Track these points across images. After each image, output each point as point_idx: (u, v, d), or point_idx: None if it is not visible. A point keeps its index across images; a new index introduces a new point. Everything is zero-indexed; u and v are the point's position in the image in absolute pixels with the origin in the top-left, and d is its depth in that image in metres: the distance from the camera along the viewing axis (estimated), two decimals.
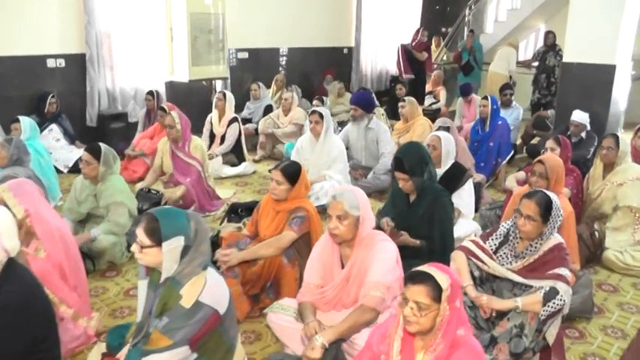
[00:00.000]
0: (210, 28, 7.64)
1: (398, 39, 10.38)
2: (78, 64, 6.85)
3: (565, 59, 5.96)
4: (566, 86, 5.98)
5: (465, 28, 10.28)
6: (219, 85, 8.17)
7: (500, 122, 5.60)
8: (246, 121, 7.41)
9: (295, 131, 6.58)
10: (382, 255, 2.58)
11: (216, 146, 6.24)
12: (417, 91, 8.55)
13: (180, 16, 7.38)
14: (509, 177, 4.59)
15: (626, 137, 6.97)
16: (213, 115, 6.31)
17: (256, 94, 7.41)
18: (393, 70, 10.51)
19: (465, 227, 3.98)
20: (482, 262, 2.86)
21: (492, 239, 2.93)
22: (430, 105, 9.00)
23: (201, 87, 8.00)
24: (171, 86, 7.76)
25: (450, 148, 4.06)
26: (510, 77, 9.25)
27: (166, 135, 4.94)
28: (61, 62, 6.81)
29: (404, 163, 3.28)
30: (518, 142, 7.03)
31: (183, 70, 7.66)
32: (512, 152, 5.74)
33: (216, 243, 3.47)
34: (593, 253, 3.91)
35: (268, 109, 7.26)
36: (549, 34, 8.66)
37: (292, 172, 3.25)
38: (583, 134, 5.61)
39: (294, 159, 5.06)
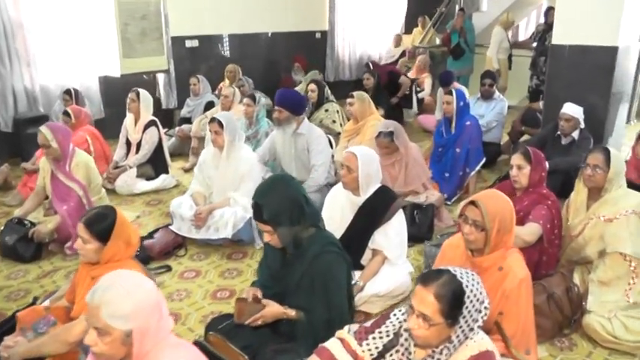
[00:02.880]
0: (143, 14, 6.59)
1: (380, 19, 9.21)
2: None
3: (555, 41, 4.72)
4: (556, 74, 4.76)
5: (457, 7, 9.01)
6: (160, 79, 7.12)
7: (468, 122, 4.42)
8: (184, 120, 6.37)
9: None
10: None
11: (132, 156, 5.19)
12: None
13: (106, 1, 6.32)
14: (462, 203, 3.40)
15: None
16: (128, 118, 5.24)
17: (196, 89, 6.32)
18: (376, 55, 9.32)
19: (389, 279, 2.88)
20: None
21: (375, 338, 1.84)
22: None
23: (142, 82, 6.95)
24: (105, 82, 6.74)
25: (370, 169, 2.94)
26: (509, 63, 8.06)
27: (44, 155, 3.95)
28: None
29: (262, 209, 2.21)
30: (504, 140, 5.83)
31: (114, 63, 6.64)
32: (484, 159, 4.53)
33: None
34: (568, 318, 2.76)
35: (210, 107, 6.18)
36: (550, 10, 7.37)
37: (102, 228, 2.23)
38: (575, 134, 4.45)
39: (197, 176, 4.03)
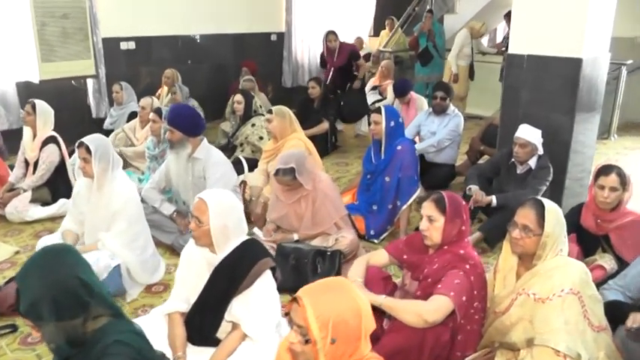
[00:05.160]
0: (64, 13, 5.88)
1: (345, 20, 8.51)
2: None
3: (511, 50, 4.03)
4: (513, 87, 4.07)
5: (427, 7, 8.31)
6: (90, 85, 6.42)
7: (400, 147, 3.70)
8: (109, 133, 5.65)
9: None
10: None
11: (29, 177, 4.50)
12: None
13: None
14: (356, 263, 2.64)
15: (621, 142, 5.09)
16: (25, 134, 4.54)
17: (118, 97, 5.62)
18: None
19: None
20: None
21: None
22: (374, 103, 7.13)
23: (70, 88, 6.27)
24: (26, 88, 6.02)
25: (228, 220, 2.24)
26: (471, 71, 7.43)
27: None
28: None
29: (20, 300, 1.55)
30: (459, 162, 5.12)
31: (32, 67, 5.94)
32: (418, 190, 3.79)
33: None
34: None
35: (133, 118, 5.48)
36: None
37: None
38: (532, 162, 3.76)
39: (71, 211, 3.37)
